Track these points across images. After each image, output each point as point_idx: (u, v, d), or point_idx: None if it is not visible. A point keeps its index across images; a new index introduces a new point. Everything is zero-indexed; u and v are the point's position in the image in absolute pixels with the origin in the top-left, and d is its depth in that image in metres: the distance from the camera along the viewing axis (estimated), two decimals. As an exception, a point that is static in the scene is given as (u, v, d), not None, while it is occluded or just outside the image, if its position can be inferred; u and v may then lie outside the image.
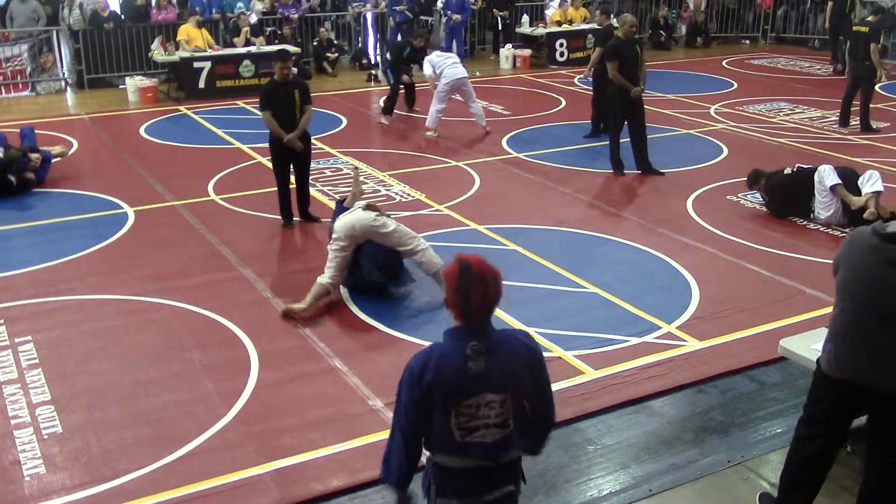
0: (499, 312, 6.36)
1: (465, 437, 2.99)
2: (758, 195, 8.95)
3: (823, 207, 8.25)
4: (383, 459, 3.18)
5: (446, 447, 3.02)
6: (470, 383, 2.93)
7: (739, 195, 9.18)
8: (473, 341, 2.93)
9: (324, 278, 6.57)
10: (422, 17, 17.06)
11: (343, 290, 6.86)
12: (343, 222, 6.67)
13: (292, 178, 8.42)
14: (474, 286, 2.90)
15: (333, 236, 6.66)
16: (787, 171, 8.71)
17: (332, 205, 7.84)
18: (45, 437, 4.99)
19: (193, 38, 14.71)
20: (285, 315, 6.46)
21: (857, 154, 10.63)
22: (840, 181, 8.15)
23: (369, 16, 17.66)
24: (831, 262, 3.97)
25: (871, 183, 8.04)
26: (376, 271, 6.69)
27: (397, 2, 16.89)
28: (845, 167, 8.61)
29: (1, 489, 4.54)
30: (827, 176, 8.18)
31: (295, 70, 10.97)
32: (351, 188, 7.59)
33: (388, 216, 6.85)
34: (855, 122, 12.13)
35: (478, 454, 3.02)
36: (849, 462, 4.50)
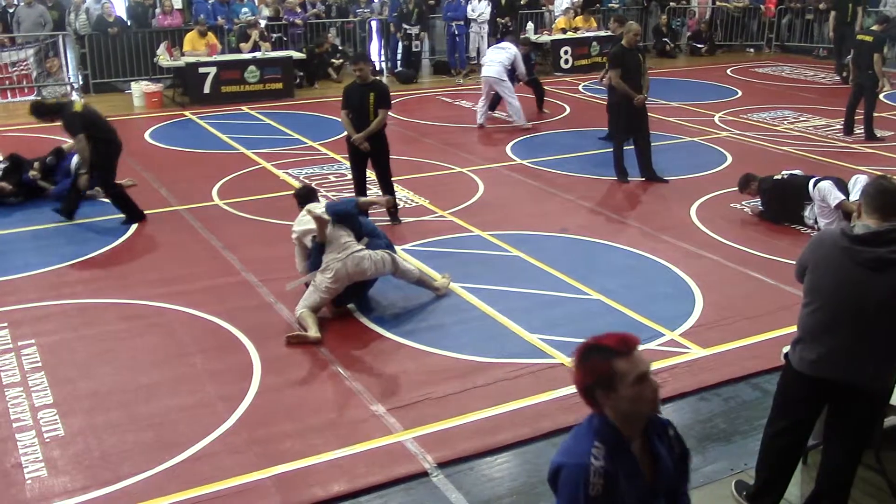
0: (502, 318, 6.44)
1: None
2: (759, 203, 8.93)
3: (829, 221, 8.11)
4: None
5: None
6: None
7: (743, 203, 9.17)
8: None
9: (300, 306, 6.38)
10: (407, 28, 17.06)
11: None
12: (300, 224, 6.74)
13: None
14: None
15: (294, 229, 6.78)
16: (778, 176, 8.77)
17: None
18: (47, 440, 4.99)
19: (198, 48, 14.80)
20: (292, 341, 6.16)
21: (861, 162, 10.61)
22: (843, 196, 8.05)
23: (374, 22, 17.69)
24: None
25: (857, 189, 8.05)
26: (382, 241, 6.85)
27: (397, 8, 16.98)
28: (838, 178, 8.50)
29: (3, 492, 4.54)
30: (829, 194, 8.03)
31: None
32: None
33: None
34: (859, 130, 12.10)
35: None
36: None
